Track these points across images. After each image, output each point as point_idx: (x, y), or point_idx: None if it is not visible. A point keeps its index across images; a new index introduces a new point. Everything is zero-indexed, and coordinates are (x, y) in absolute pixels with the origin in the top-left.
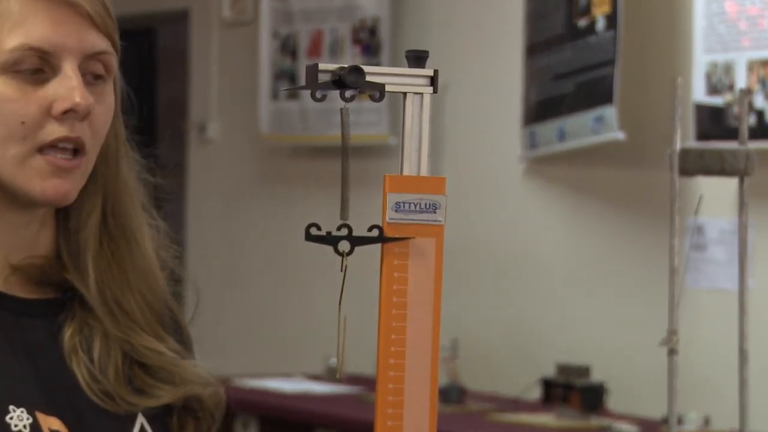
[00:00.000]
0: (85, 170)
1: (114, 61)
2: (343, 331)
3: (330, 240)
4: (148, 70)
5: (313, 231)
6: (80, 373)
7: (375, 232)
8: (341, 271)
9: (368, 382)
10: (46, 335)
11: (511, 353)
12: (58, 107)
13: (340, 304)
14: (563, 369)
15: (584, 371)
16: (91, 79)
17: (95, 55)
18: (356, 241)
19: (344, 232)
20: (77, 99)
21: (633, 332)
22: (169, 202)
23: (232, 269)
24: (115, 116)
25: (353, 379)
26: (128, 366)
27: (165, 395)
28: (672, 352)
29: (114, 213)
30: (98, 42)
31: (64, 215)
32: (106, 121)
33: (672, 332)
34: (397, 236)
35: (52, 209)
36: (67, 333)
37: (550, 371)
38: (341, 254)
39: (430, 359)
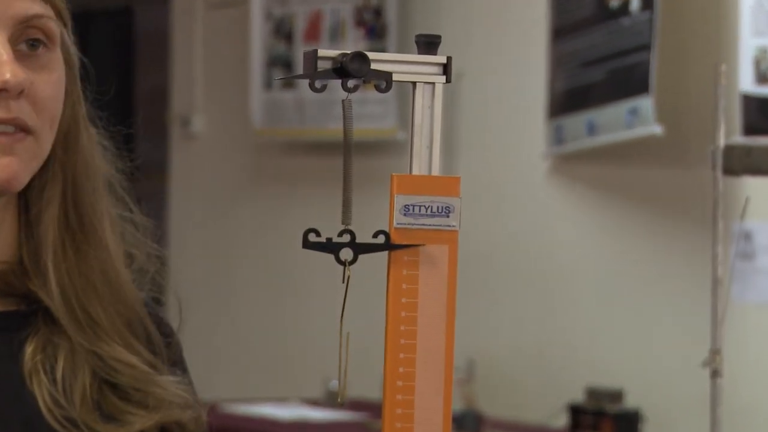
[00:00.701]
0: (35, 150)
1: (55, 25)
2: (346, 350)
3: (331, 247)
4: (125, 56)
5: (312, 237)
6: (41, 397)
7: (381, 239)
8: (343, 282)
9: (373, 408)
10: (5, 354)
11: (534, 375)
12: None
13: (341, 319)
14: (593, 393)
15: (617, 396)
16: (26, 49)
17: (28, 21)
18: (360, 249)
19: (347, 238)
20: (6, 75)
21: (671, 352)
22: (148, 204)
23: (220, 280)
24: (70, 92)
25: (356, 405)
26: (97, 387)
27: (137, 421)
28: (715, 374)
29: (75, 204)
30: (30, 5)
31: (24, 209)
32: (53, 95)
33: (715, 352)
34: (405, 243)
35: (10, 207)
36: (28, 351)
37: (578, 395)
38: (343, 263)
39: (443, 382)
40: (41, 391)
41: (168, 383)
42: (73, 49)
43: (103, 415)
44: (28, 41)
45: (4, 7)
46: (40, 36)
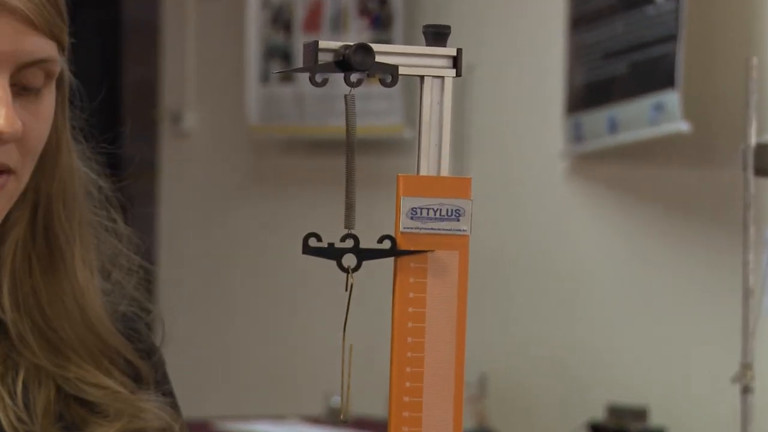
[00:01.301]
0: (16, 188)
1: (58, 66)
2: (349, 364)
3: (332, 253)
4: (111, 48)
5: (313, 242)
6: (3, 415)
7: (387, 244)
8: (346, 290)
9: (378, 426)
10: None
11: (551, 391)
12: None
13: (344, 330)
14: (615, 411)
15: (641, 414)
16: (20, 89)
17: (34, 64)
18: (364, 255)
19: (350, 243)
20: (1, 122)
21: (699, 366)
22: (137, 207)
23: (214, 287)
24: (57, 116)
25: (360, 423)
26: (63, 401)
27: (98, 430)
28: (746, 390)
29: (45, 226)
30: (39, 47)
31: None
32: (42, 134)
33: (746, 366)
34: (413, 249)
35: None
36: None
37: (599, 413)
38: (346, 270)
39: (453, 398)
40: (4, 410)
41: (141, 399)
42: (67, 72)
43: (65, 427)
44: (26, 86)
45: (12, 44)
46: (40, 79)
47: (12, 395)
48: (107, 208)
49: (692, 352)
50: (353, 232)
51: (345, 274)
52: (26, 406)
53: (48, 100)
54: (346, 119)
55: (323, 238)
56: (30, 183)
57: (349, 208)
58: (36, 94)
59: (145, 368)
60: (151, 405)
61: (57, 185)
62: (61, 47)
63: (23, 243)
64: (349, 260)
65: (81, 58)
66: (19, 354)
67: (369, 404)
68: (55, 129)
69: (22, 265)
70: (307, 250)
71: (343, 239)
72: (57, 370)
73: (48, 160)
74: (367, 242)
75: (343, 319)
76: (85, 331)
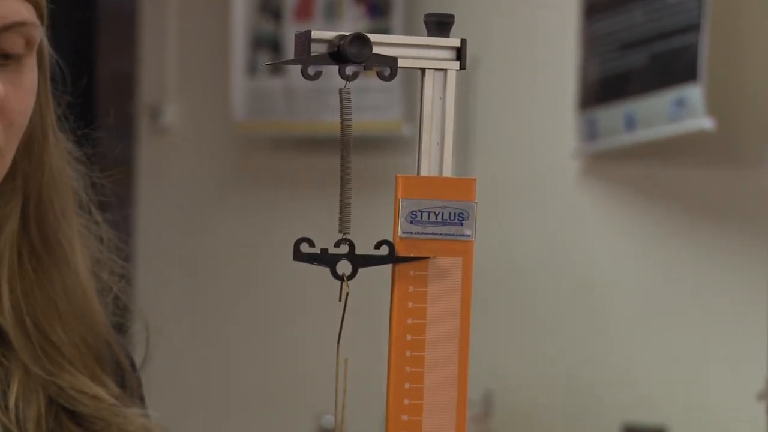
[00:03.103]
0: (1, 167)
1: (38, 32)
2: (343, 380)
3: (326, 260)
4: (86, 37)
5: (305, 248)
6: None
7: (384, 250)
8: (340, 300)
9: None
10: None
11: (562, 409)
12: None
13: (338, 343)
14: (631, 430)
15: None
16: (1, 58)
17: (13, 27)
18: (360, 262)
19: (344, 249)
20: None
21: (722, 383)
22: (112, 208)
23: (196, 298)
24: (41, 96)
25: None
26: (53, 415)
27: None
28: None
29: (38, 219)
30: (15, 10)
31: None
32: (25, 108)
33: None
34: (412, 255)
35: None
36: None
37: None
38: (340, 278)
39: (455, 417)
40: None
41: (135, 415)
42: (47, 48)
43: None
44: (6, 52)
45: None
46: (21, 48)
47: (4, 409)
48: (90, 208)
49: (714, 367)
50: (348, 236)
51: (339, 283)
52: (17, 420)
53: (30, 73)
54: (341, 115)
55: (316, 244)
56: (18, 172)
57: (344, 210)
58: (17, 63)
59: (132, 377)
60: (148, 421)
61: (47, 174)
62: (39, 14)
63: (17, 239)
64: (344, 267)
65: (52, 48)
66: (10, 360)
67: (365, 424)
68: (39, 111)
69: (18, 265)
70: (299, 256)
71: (337, 245)
72: (49, 378)
73: (35, 147)
74: (363, 248)
75: (337, 332)
76: (79, 334)
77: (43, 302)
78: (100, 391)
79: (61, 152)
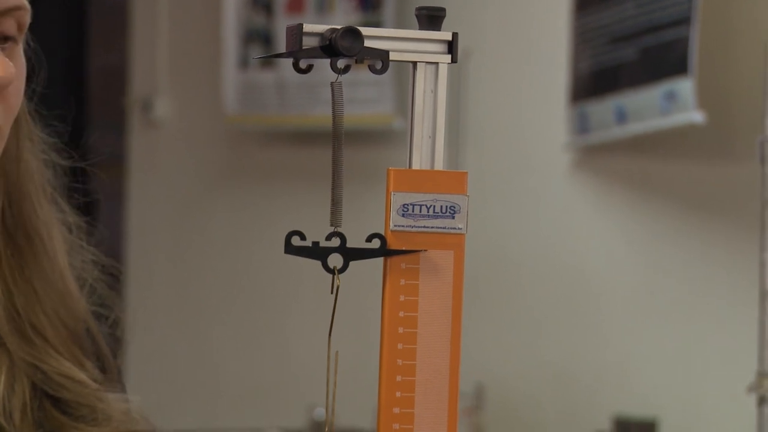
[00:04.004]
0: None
1: (29, 17)
2: (334, 373)
3: (317, 253)
4: (77, 30)
5: (296, 241)
6: None
7: (376, 243)
8: (331, 293)
9: None
10: None
11: (553, 402)
12: None
13: (329, 336)
14: (622, 423)
15: (650, 426)
16: (1, 41)
17: (10, 11)
18: (351, 255)
19: (336, 242)
20: None
21: (712, 374)
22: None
23: (187, 291)
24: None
25: None
26: (38, 403)
27: None
28: (762, 401)
29: (14, 206)
30: None
31: None
32: (20, 91)
33: (763, 375)
34: (404, 248)
35: None
36: None
37: (604, 426)
38: (332, 271)
39: (447, 410)
40: None
41: (117, 400)
42: (27, 38)
43: None
44: (2, 36)
45: None
46: (14, 31)
47: None
48: (56, 198)
49: (705, 360)
50: (340, 230)
51: (331, 276)
52: (4, 410)
53: (18, 56)
54: (333, 108)
55: (307, 237)
56: None
57: (336, 203)
58: (12, 46)
59: (112, 363)
60: (129, 405)
61: (23, 162)
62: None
63: None
64: (336, 260)
65: (43, 42)
66: None
67: (356, 416)
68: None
69: None
70: (290, 249)
71: (328, 238)
72: (34, 363)
73: (11, 135)
74: (355, 241)
75: (329, 325)
76: (60, 320)
77: (24, 288)
78: (84, 376)
79: (33, 138)
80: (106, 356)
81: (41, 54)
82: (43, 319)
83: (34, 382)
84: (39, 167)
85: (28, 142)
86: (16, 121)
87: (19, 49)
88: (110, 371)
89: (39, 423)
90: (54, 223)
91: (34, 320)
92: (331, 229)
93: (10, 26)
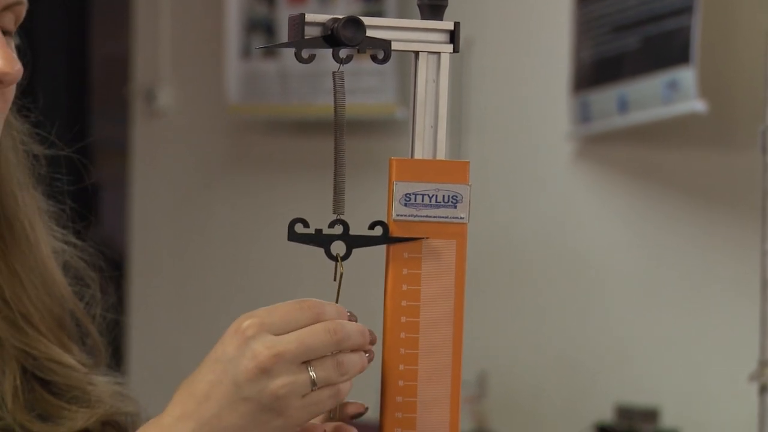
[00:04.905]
0: None
1: (24, 11)
2: None
3: (320, 240)
4: (79, 20)
5: (299, 228)
6: None
7: (378, 231)
8: (335, 280)
9: (369, 428)
10: None
11: (555, 391)
12: None
13: None
14: (624, 412)
15: (651, 414)
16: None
17: (11, 6)
18: (354, 242)
19: (339, 230)
20: (6, 68)
21: (714, 363)
22: (105, 193)
23: (191, 280)
24: None
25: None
26: (29, 386)
27: (79, 418)
28: (764, 389)
29: None
30: None
31: None
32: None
33: (764, 364)
34: (406, 236)
35: None
36: None
37: (606, 414)
38: (335, 259)
39: (450, 398)
40: None
41: (103, 382)
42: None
43: (38, 416)
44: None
45: None
46: (12, 23)
47: None
48: (37, 187)
49: (707, 349)
50: (342, 217)
51: (334, 264)
52: None
53: (13, 46)
54: (335, 98)
55: (310, 224)
56: None
57: (338, 191)
58: (9, 41)
59: (99, 345)
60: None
61: (3, 153)
62: None
63: None
64: (338, 248)
65: (45, 31)
66: None
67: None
68: None
69: None
70: (294, 236)
71: (331, 225)
72: (23, 348)
73: None
74: (358, 228)
75: None
76: (44, 305)
77: (8, 276)
78: (73, 361)
79: (11, 127)
80: (94, 339)
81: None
82: (30, 307)
83: (24, 366)
84: (19, 157)
85: (7, 131)
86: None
87: (13, 43)
88: (98, 353)
89: (30, 405)
90: (35, 212)
91: (21, 309)
92: (334, 218)
93: (9, 21)
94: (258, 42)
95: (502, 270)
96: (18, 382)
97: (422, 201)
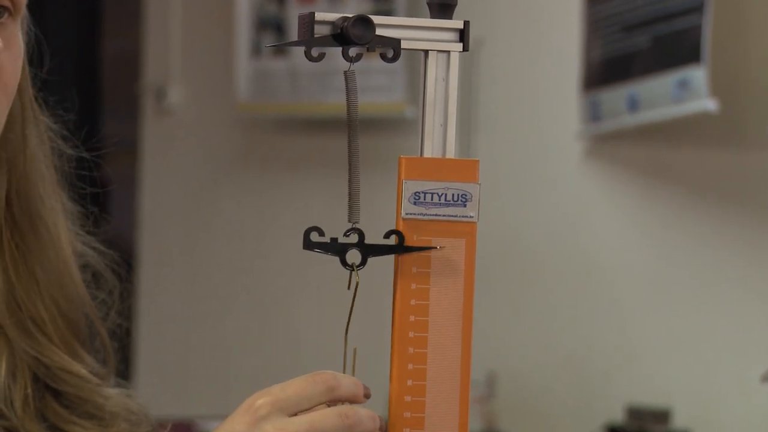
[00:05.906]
0: None
1: None
2: (352, 368)
3: (336, 249)
4: (89, 17)
5: (314, 237)
6: None
7: (394, 239)
8: (349, 288)
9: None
10: None
11: (565, 391)
12: None
13: (346, 332)
14: (635, 412)
15: (663, 415)
16: None
17: None
18: (369, 251)
19: (354, 238)
20: None
21: (726, 364)
22: (115, 191)
23: (199, 280)
24: (22, 68)
25: None
26: (39, 395)
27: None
28: None
29: (20, 194)
30: None
31: None
32: (16, 71)
33: None
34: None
35: None
36: None
37: (617, 415)
38: (350, 267)
39: (459, 398)
40: None
41: (115, 395)
42: (27, 18)
43: (48, 426)
44: None
45: None
46: (7, 2)
47: None
48: (63, 186)
49: (718, 348)
50: (358, 226)
51: (345, 270)
52: (5, 398)
53: (15, 34)
54: (347, 98)
55: (320, 225)
56: (1, 147)
57: (353, 199)
58: (3, 23)
59: (111, 351)
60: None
61: (29, 149)
62: None
63: (2, 215)
64: (354, 257)
65: (55, 28)
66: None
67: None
68: (18, 86)
69: (2, 242)
70: (309, 245)
71: (346, 234)
72: (35, 355)
73: (17, 122)
74: (368, 230)
75: (344, 317)
76: (59, 310)
77: (25, 280)
78: (84, 371)
79: (39, 125)
80: (105, 343)
81: (42, 40)
82: (43, 312)
83: (35, 373)
84: (46, 155)
85: (35, 129)
86: (22, 108)
87: (16, 27)
88: (107, 357)
89: (41, 414)
90: (59, 211)
91: (34, 314)
92: (344, 218)
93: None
94: (268, 40)
95: (512, 269)
96: (29, 390)
97: (431, 199)
